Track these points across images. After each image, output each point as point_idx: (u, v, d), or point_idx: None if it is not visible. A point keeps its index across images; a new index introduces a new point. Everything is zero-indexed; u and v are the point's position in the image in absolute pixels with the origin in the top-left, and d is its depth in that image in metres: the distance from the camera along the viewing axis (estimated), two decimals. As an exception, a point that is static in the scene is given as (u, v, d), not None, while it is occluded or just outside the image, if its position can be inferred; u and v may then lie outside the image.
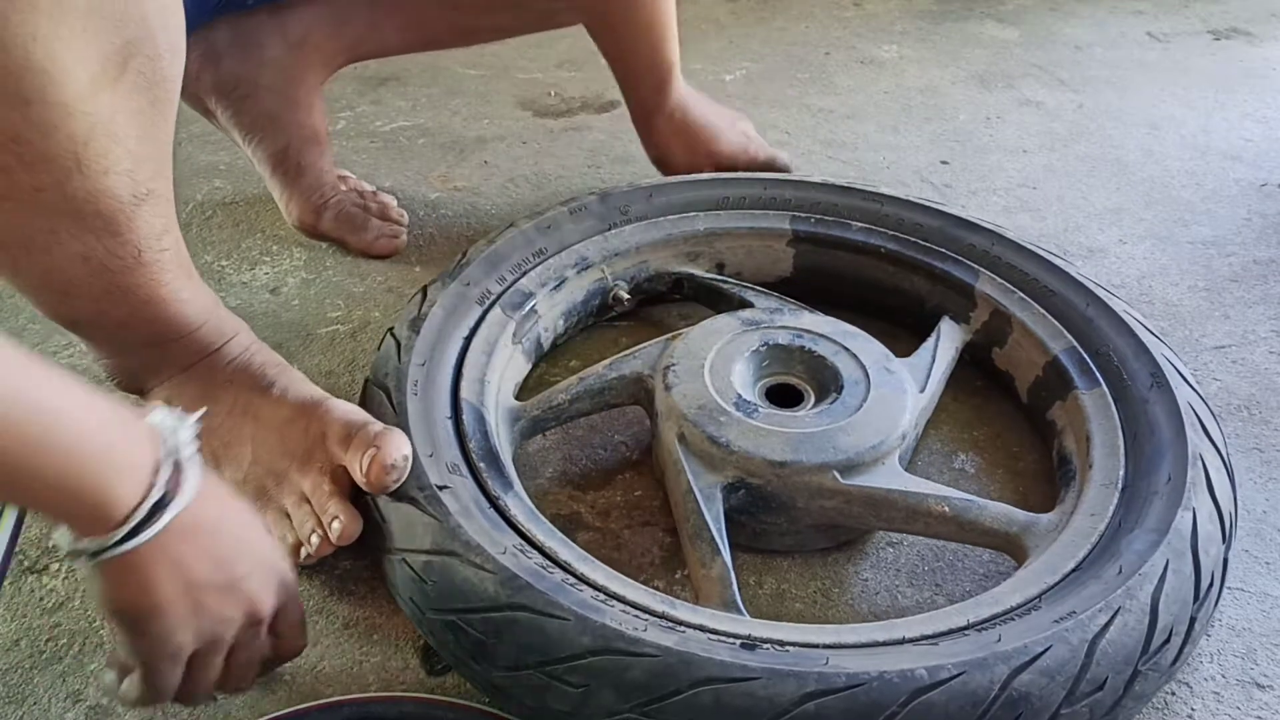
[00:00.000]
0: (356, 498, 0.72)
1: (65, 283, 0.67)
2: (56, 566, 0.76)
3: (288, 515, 0.73)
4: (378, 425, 0.72)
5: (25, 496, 0.52)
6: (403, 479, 0.70)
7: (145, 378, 0.78)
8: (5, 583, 0.74)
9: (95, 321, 0.72)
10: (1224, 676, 0.72)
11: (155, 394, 0.78)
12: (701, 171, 1.09)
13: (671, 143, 1.14)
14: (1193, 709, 0.70)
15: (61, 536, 0.53)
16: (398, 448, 0.70)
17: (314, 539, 0.71)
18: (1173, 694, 0.71)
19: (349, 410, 0.74)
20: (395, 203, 1.15)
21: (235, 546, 0.58)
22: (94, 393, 0.51)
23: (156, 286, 0.69)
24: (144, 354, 0.76)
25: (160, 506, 0.52)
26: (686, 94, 1.13)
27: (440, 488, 0.70)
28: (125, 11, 0.58)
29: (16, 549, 0.76)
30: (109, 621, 0.58)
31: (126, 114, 0.61)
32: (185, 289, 0.72)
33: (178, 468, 0.54)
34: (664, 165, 1.16)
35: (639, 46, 1.08)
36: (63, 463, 0.49)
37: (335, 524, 0.71)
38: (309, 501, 0.72)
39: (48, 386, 0.49)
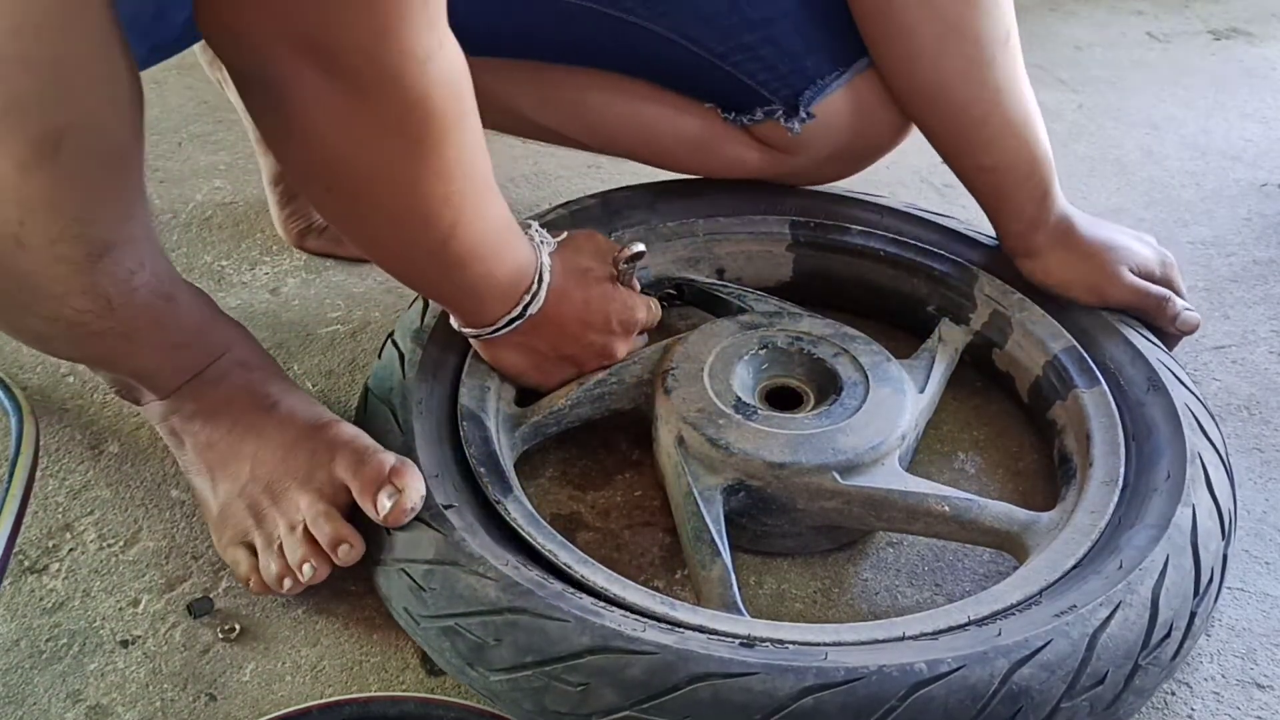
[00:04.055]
0: (351, 514, 0.72)
1: (40, 339, 0.68)
2: (56, 566, 0.77)
3: (277, 540, 0.72)
4: (390, 458, 0.71)
5: (440, 289, 0.78)
6: (417, 513, 0.70)
7: (139, 393, 0.78)
8: (5, 583, 0.74)
9: (79, 359, 0.75)
10: (1224, 676, 0.72)
11: (150, 409, 0.78)
12: (1117, 283, 0.88)
13: (1064, 262, 0.89)
14: (1193, 709, 0.70)
15: (453, 319, 0.80)
16: (417, 490, 0.70)
17: (306, 568, 0.70)
18: (1173, 694, 0.71)
19: (356, 435, 0.74)
20: None
21: (572, 324, 0.81)
22: (506, 213, 0.73)
23: (133, 322, 0.68)
24: (134, 377, 0.76)
25: (537, 291, 0.77)
26: (1069, 205, 0.91)
27: (446, 507, 0.70)
28: (47, 98, 0.53)
29: (16, 549, 0.77)
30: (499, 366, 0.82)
31: (69, 186, 0.57)
32: (165, 315, 0.71)
33: (543, 264, 0.78)
34: (1063, 289, 0.90)
35: (1018, 141, 0.88)
36: (482, 269, 0.73)
37: (343, 548, 0.70)
38: (304, 525, 0.71)
39: (492, 200, 0.71)
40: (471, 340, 0.81)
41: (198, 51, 1.02)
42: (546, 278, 0.77)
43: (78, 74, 0.54)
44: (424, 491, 0.70)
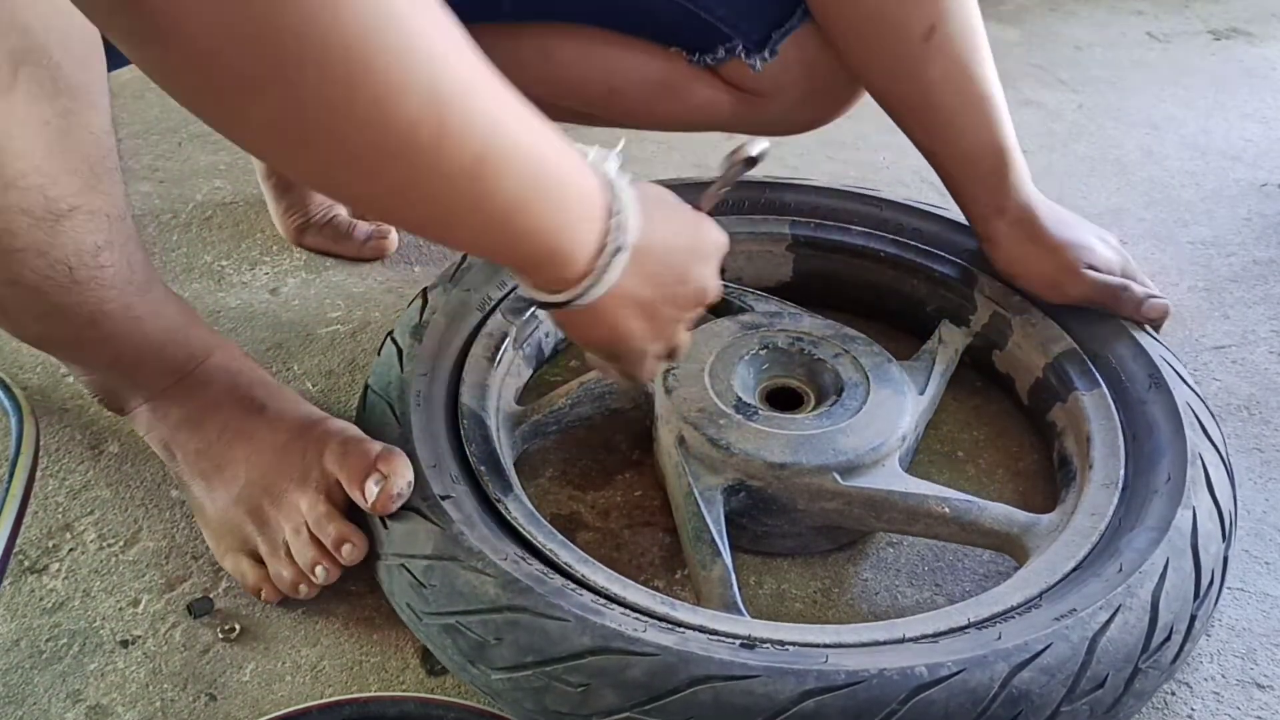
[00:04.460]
0: (354, 512, 0.72)
1: (4, 310, 0.66)
2: (56, 566, 0.77)
3: (284, 544, 0.72)
4: (376, 446, 0.71)
5: (497, 243, 0.55)
6: (406, 500, 0.70)
7: (124, 397, 0.77)
8: (5, 583, 0.74)
9: (47, 340, 0.71)
10: (1224, 677, 0.72)
11: (137, 415, 0.78)
12: (1074, 279, 0.87)
13: (1023, 252, 0.89)
14: (1193, 709, 0.70)
15: (525, 289, 0.59)
16: (403, 476, 0.69)
17: (319, 570, 0.71)
18: (1173, 694, 0.71)
19: (344, 428, 0.74)
20: None
21: (676, 253, 0.63)
22: (548, 126, 0.53)
23: (99, 304, 0.67)
24: (113, 375, 0.75)
25: (615, 254, 0.56)
26: (1035, 196, 0.90)
27: (443, 498, 0.70)
28: (4, 20, 0.54)
29: (16, 549, 0.77)
30: (585, 350, 0.68)
31: (26, 126, 0.57)
32: (137, 306, 0.70)
33: (621, 209, 0.56)
34: (1020, 279, 0.91)
35: (958, 129, 0.87)
36: (539, 209, 0.52)
37: (346, 547, 0.70)
38: (307, 527, 0.72)
39: (525, 123, 0.51)
40: (563, 319, 0.63)
41: None
42: (626, 193, 0.58)
43: (31, 5, 0.55)
44: (411, 478, 0.70)
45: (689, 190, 0.99)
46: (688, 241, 0.65)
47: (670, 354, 0.70)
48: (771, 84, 0.92)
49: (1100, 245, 0.90)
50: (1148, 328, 0.87)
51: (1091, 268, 0.88)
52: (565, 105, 1.00)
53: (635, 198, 0.58)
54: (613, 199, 0.56)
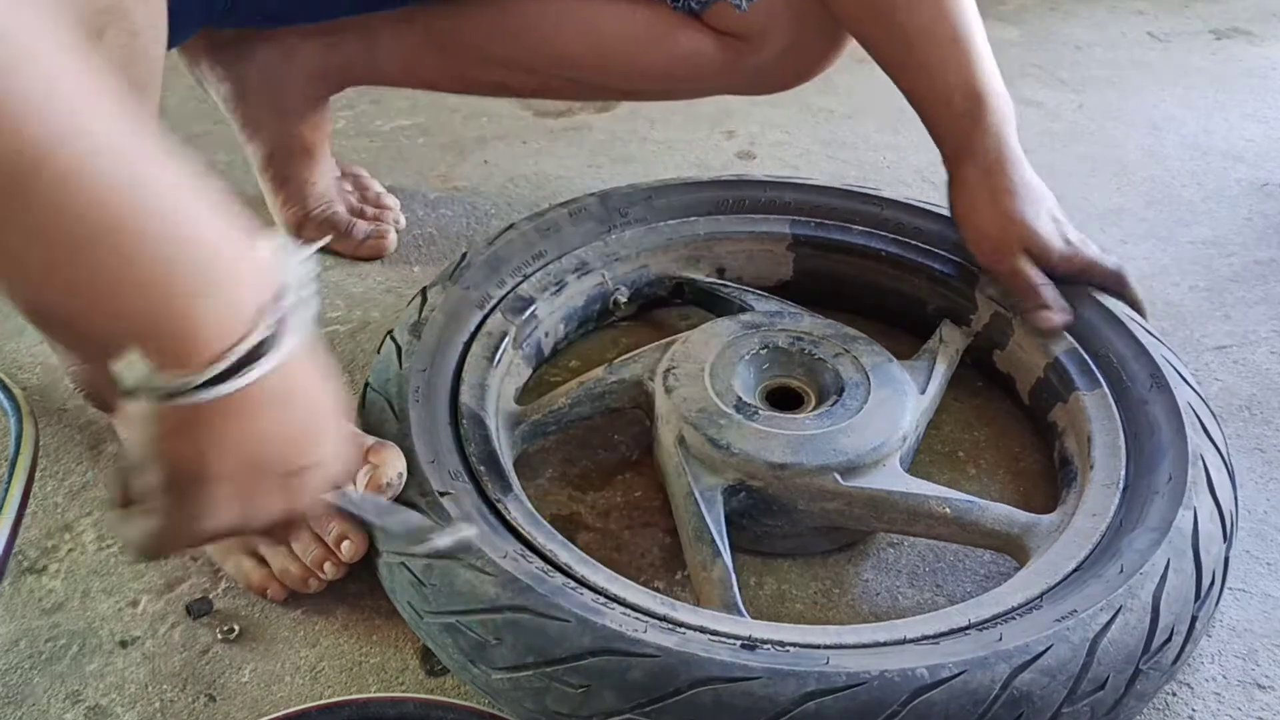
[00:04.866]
0: None
1: (34, 273, 0.64)
2: (56, 567, 0.76)
3: (285, 543, 0.72)
4: (369, 440, 0.71)
5: (110, 298, 0.42)
6: (398, 494, 0.69)
7: (113, 395, 0.77)
8: (5, 583, 0.74)
9: (62, 319, 0.68)
10: (1225, 677, 0.72)
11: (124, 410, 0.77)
12: (1012, 246, 0.87)
13: (979, 197, 0.88)
14: (1194, 709, 0.70)
15: (127, 366, 0.45)
16: (393, 466, 0.69)
17: (327, 567, 0.71)
18: (1174, 695, 0.71)
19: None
20: (398, 205, 1.15)
21: (311, 430, 0.51)
22: (218, 199, 0.44)
23: None
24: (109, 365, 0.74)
25: (256, 355, 0.44)
26: (1013, 146, 0.88)
27: (442, 494, 0.70)
28: None
29: (16, 549, 0.76)
30: (151, 465, 0.49)
31: None
32: None
33: (285, 312, 0.46)
34: (965, 224, 0.91)
35: (931, 73, 0.87)
36: (165, 266, 0.42)
37: (346, 545, 0.70)
38: (307, 525, 0.71)
39: (172, 178, 0.42)
40: (155, 417, 0.46)
41: (175, 53, 1.02)
42: (301, 313, 0.47)
43: None
44: (403, 469, 0.70)
45: (689, 190, 1.00)
46: (316, 431, 0.52)
47: (188, 534, 0.52)
48: (757, 28, 0.93)
49: (1050, 233, 0.87)
50: (1149, 327, 0.87)
51: (1029, 250, 0.87)
52: (557, 75, 1.01)
53: (307, 326, 0.48)
54: (270, 298, 0.46)
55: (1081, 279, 0.88)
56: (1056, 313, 0.86)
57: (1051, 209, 0.89)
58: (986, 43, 0.87)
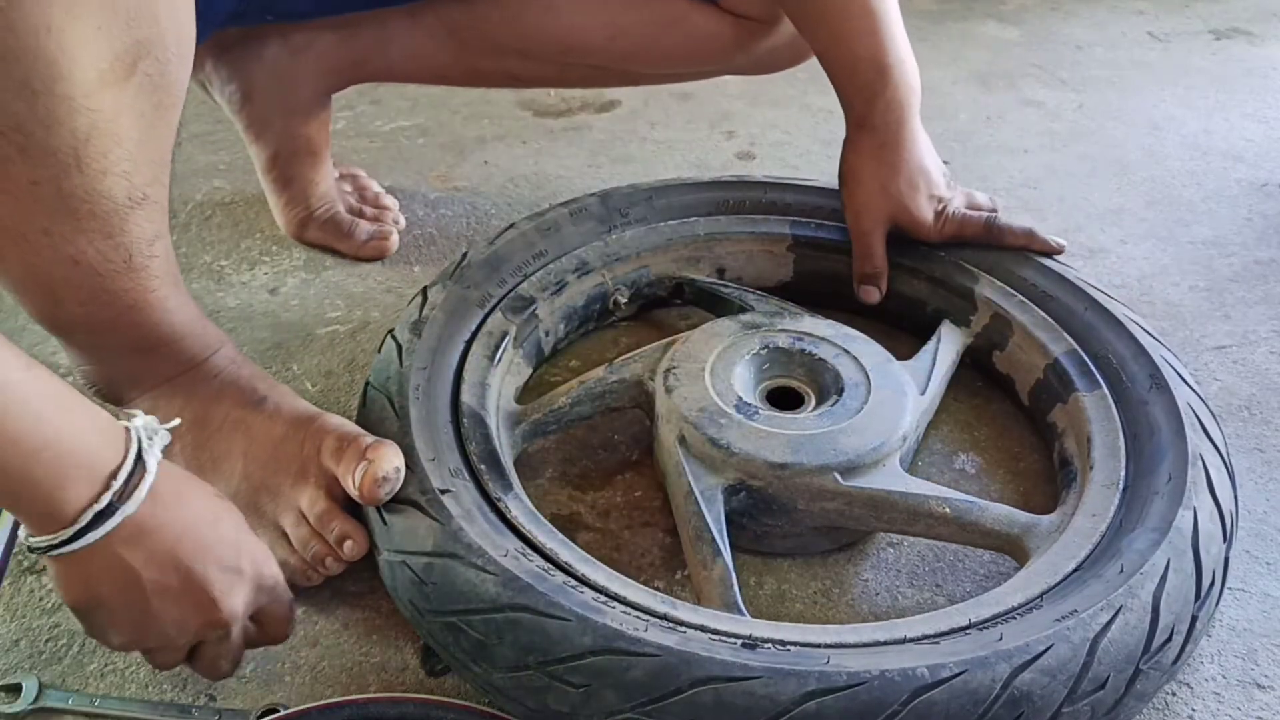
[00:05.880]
0: (354, 507, 0.72)
1: (54, 283, 0.66)
2: (56, 567, 0.76)
3: (284, 535, 0.73)
4: (369, 438, 0.71)
5: None
6: (395, 491, 0.69)
7: (126, 388, 0.77)
8: (5, 583, 0.74)
9: (80, 325, 0.71)
10: (1225, 677, 0.72)
11: (136, 404, 0.77)
12: (878, 215, 0.94)
13: (864, 164, 0.94)
14: (1193, 709, 0.70)
15: (23, 529, 0.56)
16: (389, 460, 0.69)
17: (329, 562, 0.72)
18: (1174, 694, 0.71)
19: (341, 424, 0.74)
20: (397, 205, 1.15)
21: (196, 550, 0.59)
22: (67, 390, 0.54)
23: (144, 293, 0.69)
24: (126, 362, 0.75)
25: (108, 513, 0.54)
26: (911, 124, 0.93)
27: (442, 491, 0.70)
28: (139, 10, 0.58)
29: (16, 549, 0.76)
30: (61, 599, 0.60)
31: (130, 115, 0.60)
32: (172, 298, 0.71)
33: (136, 473, 0.56)
34: (845, 183, 0.96)
35: (840, 41, 0.91)
36: (19, 455, 0.51)
37: (348, 544, 0.71)
38: (307, 520, 0.72)
39: (19, 376, 0.51)
40: (51, 565, 0.57)
41: None
42: (151, 460, 0.57)
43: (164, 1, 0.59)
44: (400, 464, 0.70)
45: (689, 190, 1.01)
46: (210, 542, 0.60)
47: (159, 661, 0.64)
48: (771, 10, 0.93)
49: (919, 208, 0.92)
50: (1149, 327, 0.87)
51: (900, 224, 0.93)
52: (574, 63, 1.01)
53: (166, 475, 0.57)
54: (121, 463, 0.55)
55: (960, 240, 0.94)
56: (874, 281, 0.95)
57: (933, 187, 0.94)
58: (899, 19, 0.91)
